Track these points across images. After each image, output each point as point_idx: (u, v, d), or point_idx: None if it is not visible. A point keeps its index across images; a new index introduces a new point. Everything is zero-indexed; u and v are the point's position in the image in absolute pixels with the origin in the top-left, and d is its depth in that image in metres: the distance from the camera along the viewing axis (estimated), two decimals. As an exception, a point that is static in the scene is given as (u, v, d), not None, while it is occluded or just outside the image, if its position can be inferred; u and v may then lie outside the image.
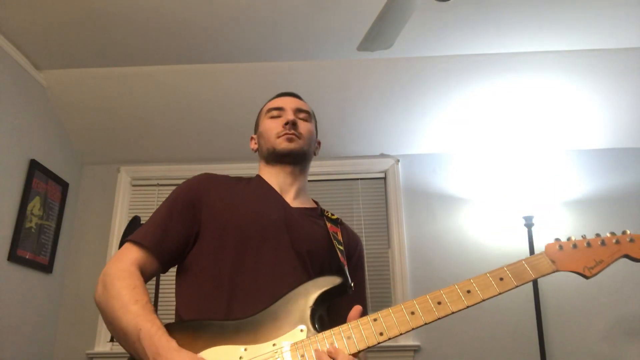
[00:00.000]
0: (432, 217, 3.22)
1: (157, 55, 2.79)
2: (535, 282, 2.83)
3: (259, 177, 1.30)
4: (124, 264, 1.06)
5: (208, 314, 1.04)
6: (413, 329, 0.94)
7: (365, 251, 1.38)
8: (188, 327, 1.00)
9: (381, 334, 0.94)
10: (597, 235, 1.05)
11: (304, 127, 1.28)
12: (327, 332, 0.95)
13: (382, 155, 3.38)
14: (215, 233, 1.13)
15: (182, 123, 3.22)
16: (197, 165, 3.40)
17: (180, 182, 1.26)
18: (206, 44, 2.71)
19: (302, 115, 1.31)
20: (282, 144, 1.25)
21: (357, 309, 0.98)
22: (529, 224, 2.93)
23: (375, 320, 0.95)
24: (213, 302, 1.06)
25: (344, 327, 0.95)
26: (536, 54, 2.78)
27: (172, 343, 0.91)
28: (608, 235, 1.04)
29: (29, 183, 2.76)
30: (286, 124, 1.25)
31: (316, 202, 1.35)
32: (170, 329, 0.97)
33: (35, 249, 2.84)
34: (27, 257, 2.75)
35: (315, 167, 3.19)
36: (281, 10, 2.45)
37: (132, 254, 1.08)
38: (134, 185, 3.43)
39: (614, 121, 3.12)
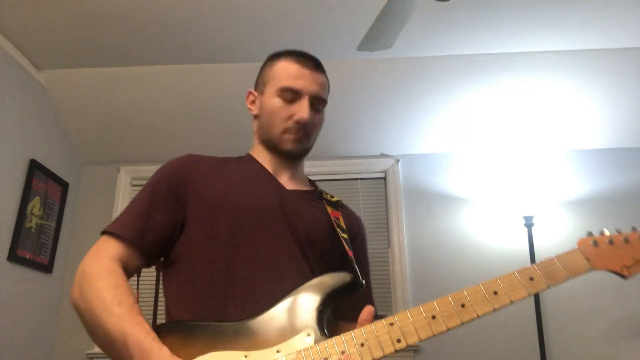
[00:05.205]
0: (432, 217, 3.22)
1: (157, 55, 2.79)
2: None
3: (249, 156, 1.17)
4: (103, 261, 0.93)
5: (202, 312, 0.93)
6: (434, 335, 0.84)
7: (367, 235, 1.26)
8: (180, 328, 0.89)
9: (399, 340, 0.83)
10: (634, 229, 0.90)
11: (316, 121, 1.12)
12: (337, 338, 0.84)
13: (382, 155, 3.38)
14: (204, 220, 1.00)
15: (182, 123, 3.22)
16: (197, 165, 3.40)
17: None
18: (206, 44, 2.70)
19: (318, 106, 1.13)
20: (287, 145, 1.10)
21: (368, 310, 0.88)
22: (529, 224, 2.92)
23: (391, 324, 0.84)
24: (207, 299, 0.95)
25: (356, 332, 0.84)
26: (536, 54, 2.78)
27: (164, 350, 0.81)
28: None
29: (29, 183, 2.75)
30: (297, 122, 1.09)
31: (313, 183, 1.21)
32: (160, 330, 0.88)
33: (35, 249, 2.83)
34: (27, 257, 2.75)
35: (316, 167, 3.25)
36: (281, 10, 2.45)
37: (112, 249, 0.96)
38: (134, 185, 3.43)
39: (614, 121, 3.12)
